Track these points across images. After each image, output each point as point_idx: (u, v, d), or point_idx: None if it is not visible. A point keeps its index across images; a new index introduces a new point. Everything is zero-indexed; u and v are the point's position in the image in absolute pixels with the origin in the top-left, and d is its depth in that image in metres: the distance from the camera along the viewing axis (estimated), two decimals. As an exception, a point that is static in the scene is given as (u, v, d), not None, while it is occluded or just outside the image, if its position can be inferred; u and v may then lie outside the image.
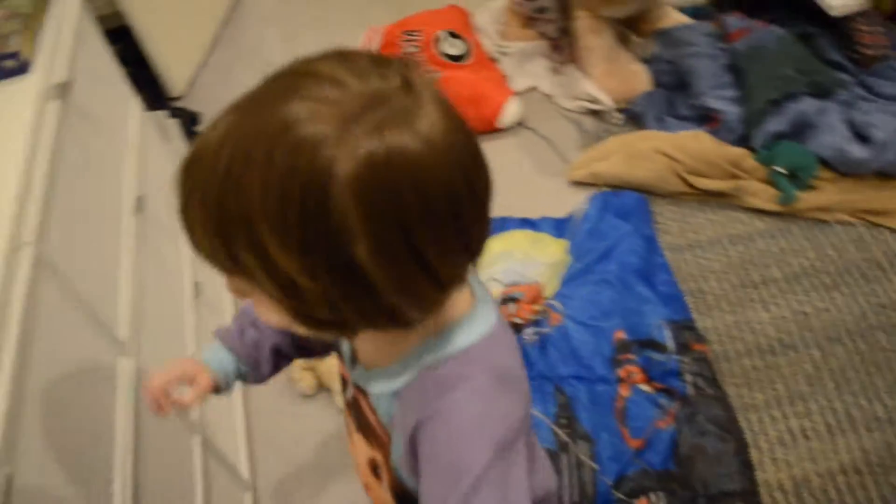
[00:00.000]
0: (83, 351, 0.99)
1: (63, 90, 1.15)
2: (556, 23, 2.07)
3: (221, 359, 0.88)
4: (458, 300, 0.63)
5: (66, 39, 1.25)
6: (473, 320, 0.63)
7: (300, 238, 0.49)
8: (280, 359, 0.89)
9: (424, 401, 0.61)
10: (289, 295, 0.52)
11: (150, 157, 1.50)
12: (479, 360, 0.62)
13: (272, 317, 0.57)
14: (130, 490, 0.96)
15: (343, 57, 0.52)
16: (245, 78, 2.50)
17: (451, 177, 0.51)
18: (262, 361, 0.89)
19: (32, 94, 1.10)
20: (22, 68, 1.13)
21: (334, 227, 0.48)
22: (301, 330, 0.57)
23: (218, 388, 0.88)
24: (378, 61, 0.52)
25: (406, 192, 0.48)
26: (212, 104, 2.39)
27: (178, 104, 2.37)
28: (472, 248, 0.56)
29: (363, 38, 2.28)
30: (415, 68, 0.52)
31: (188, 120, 2.24)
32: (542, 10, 2.02)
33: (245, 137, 0.50)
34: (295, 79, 0.51)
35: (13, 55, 1.12)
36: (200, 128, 2.28)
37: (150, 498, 1.01)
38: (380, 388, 0.67)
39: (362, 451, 0.76)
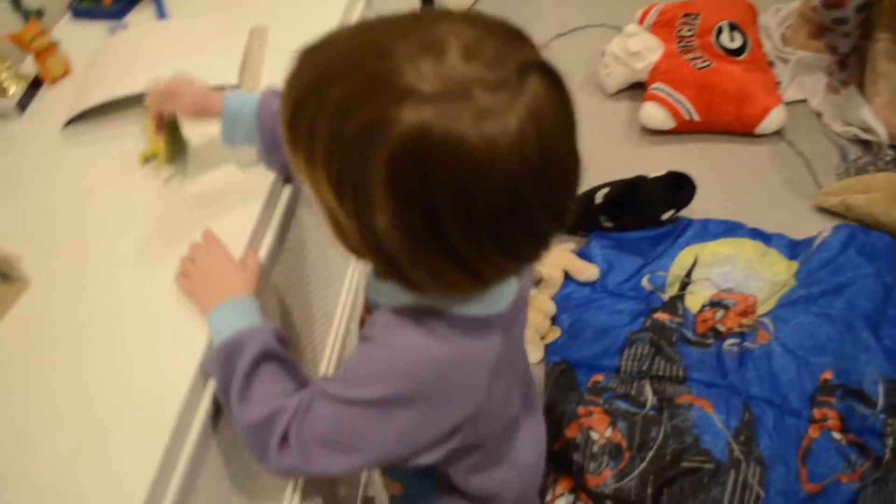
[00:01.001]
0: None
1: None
2: (852, 38, 1.93)
3: (244, 111, 0.83)
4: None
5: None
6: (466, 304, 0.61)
7: (339, 172, 0.51)
8: None
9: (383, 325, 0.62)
10: (322, 201, 0.55)
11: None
12: (445, 332, 0.60)
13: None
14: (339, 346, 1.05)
15: (478, 24, 0.51)
16: (514, 18, 2.56)
17: (497, 185, 0.48)
18: (278, 149, 0.81)
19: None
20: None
21: (364, 184, 0.49)
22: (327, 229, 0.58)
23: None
24: (509, 44, 0.50)
25: (441, 181, 0.48)
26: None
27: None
28: (514, 255, 0.55)
29: (641, 10, 2.25)
30: (539, 68, 0.50)
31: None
32: (841, 20, 1.88)
33: (356, 51, 0.50)
34: (430, 26, 0.50)
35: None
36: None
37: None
38: (372, 293, 0.69)
39: None
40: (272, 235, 0.86)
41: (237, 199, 0.86)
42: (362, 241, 0.54)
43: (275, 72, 1.05)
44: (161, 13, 1.25)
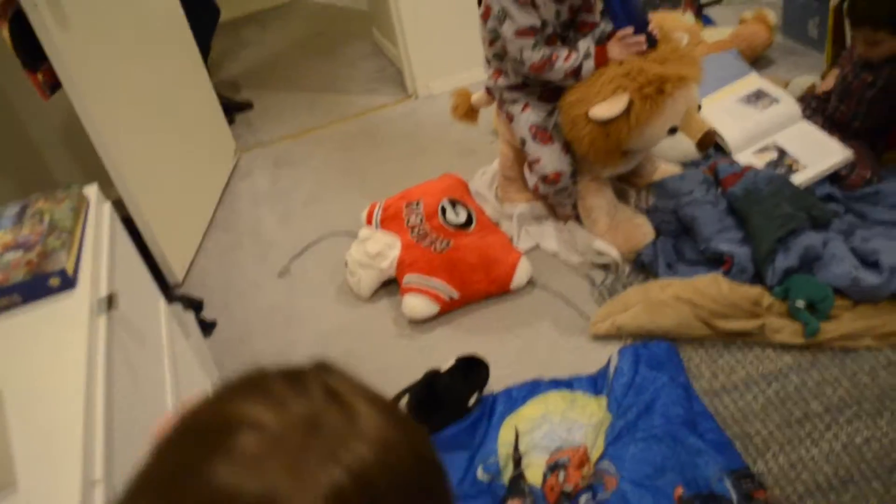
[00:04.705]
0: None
1: (108, 303, 1.12)
2: (573, 197, 2.13)
3: None
4: None
5: (103, 248, 1.24)
6: None
7: None
8: None
9: None
10: None
11: (178, 357, 1.45)
12: None
13: None
14: None
15: (254, 388, 0.47)
16: (243, 259, 2.51)
17: (414, 459, 0.47)
18: None
19: (82, 311, 1.07)
20: (68, 283, 1.11)
21: None
22: None
23: None
24: (293, 378, 0.48)
25: (383, 497, 0.44)
26: (210, 289, 2.37)
27: (178, 292, 2.35)
28: None
29: (365, 211, 2.31)
30: (329, 371, 0.49)
31: (196, 308, 2.20)
32: (562, 189, 2.09)
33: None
34: (208, 437, 0.45)
35: (60, 272, 1.10)
36: (204, 315, 2.25)
37: None
38: None
39: None
40: None
41: None
42: None
43: (26, 441, 0.88)
44: None
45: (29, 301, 1.11)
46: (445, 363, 1.78)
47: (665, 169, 2.21)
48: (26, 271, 1.11)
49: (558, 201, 2.15)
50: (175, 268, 2.41)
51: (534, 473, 1.59)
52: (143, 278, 1.45)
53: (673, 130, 1.89)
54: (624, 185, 2.23)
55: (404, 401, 1.70)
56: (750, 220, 1.95)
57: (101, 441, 0.89)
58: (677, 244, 2.06)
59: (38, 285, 1.10)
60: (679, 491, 1.50)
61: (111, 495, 0.85)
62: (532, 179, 2.11)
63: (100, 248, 1.23)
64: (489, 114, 2.70)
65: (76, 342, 1.01)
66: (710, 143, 1.91)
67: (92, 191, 1.34)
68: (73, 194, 1.29)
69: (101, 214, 1.31)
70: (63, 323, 1.06)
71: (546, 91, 2.05)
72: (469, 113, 2.41)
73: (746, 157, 2.25)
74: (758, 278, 1.91)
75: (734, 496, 1.49)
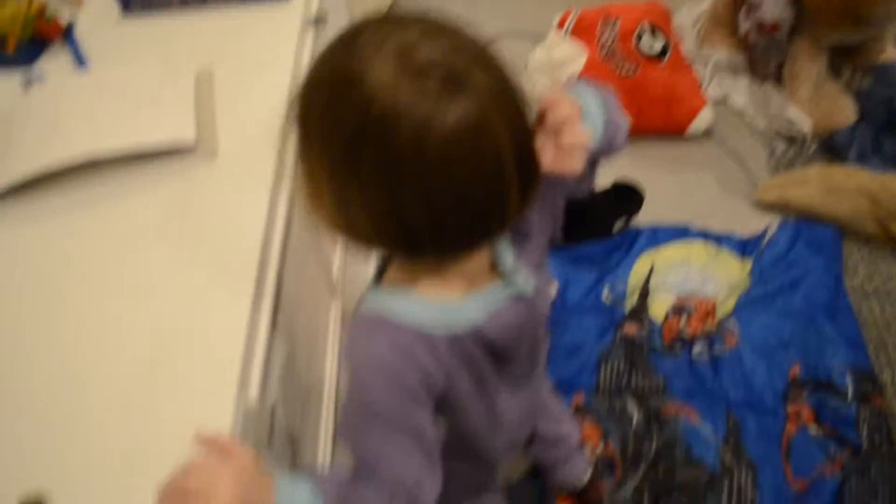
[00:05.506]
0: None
1: (318, 22, 1.16)
2: (783, 52, 1.97)
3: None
4: (449, 285, 0.65)
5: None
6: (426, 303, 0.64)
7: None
8: None
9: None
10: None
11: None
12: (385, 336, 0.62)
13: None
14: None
15: (437, 37, 0.56)
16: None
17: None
18: None
19: (294, 23, 1.11)
20: (284, -6, 1.15)
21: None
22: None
23: None
24: (461, 45, 0.57)
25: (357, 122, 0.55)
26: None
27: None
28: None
29: (559, 16, 2.23)
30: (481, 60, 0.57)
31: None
32: (776, 43, 1.93)
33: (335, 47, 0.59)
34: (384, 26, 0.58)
35: (281, -20, 1.13)
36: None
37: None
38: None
39: None
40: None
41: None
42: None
43: (229, 121, 0.96)
44: (79, 59, 1.12)
45: (245, 1, 1.16)
46: (600, 184, 1.77)
47: (892, 54, 2.00)
48: (250, -28, 1.15)
49: (764, 56, 2.00)
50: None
51: (657, 310, 1.61)
52: (342, 9, 1.49)
53: (924, 8, 1.68)
54: (840, 60, 2.04)
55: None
56: (972, 128, 1.77)
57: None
58: (878, 136, 1.90)
59: (259, -12, 1.14)
60: (795, 370, 1.49)
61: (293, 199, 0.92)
62: (746, 25, 1.96)
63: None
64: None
65: (285, 48, 1.06)
66: (961, 33, 1.70)
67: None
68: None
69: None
70: (275, 30, 1.11)
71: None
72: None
73: None
74: (955, 193, 1.76)
75: (850, 392, 1.47)
